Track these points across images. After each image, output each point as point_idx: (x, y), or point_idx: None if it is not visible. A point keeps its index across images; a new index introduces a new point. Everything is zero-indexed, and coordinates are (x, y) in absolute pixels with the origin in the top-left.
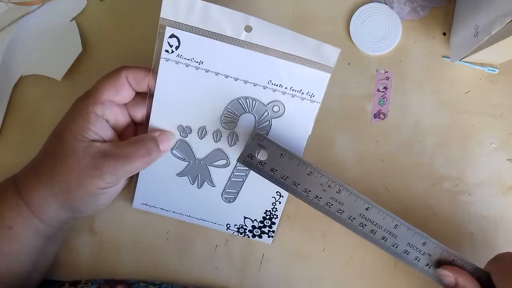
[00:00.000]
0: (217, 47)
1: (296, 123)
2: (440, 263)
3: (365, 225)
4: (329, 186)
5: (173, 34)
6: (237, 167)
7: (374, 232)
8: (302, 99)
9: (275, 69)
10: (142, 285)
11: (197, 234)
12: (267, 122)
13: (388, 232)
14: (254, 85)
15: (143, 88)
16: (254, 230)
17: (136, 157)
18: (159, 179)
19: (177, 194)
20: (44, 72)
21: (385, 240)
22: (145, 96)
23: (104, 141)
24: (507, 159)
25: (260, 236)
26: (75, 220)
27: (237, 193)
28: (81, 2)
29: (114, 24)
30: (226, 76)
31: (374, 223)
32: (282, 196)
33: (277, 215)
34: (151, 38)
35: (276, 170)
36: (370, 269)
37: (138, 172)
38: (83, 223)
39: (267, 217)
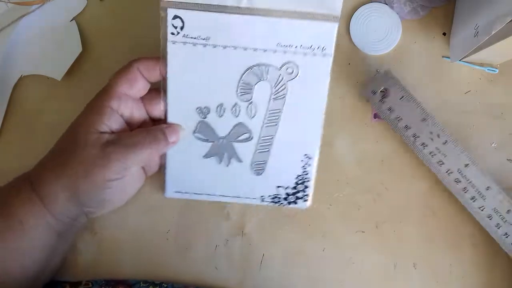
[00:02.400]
0: (220, 20)
1: (312, 80)
2: None
3: (460, 181)
4: (438, 136)
5: (176, 15)
6: (261, 138)
7: (466, 190)
8: (314, 55)
9: (282, 30)
10: (143, 285)
11: (197, 234)
12: (283, 87)
13: (479, 193)
14: (264, 51)
15: (156, 77)
16: (289, 197)
17: (143, 144)
18: (187, 164)
19: (207, 176)
20: (44, 72)
21: (474, 201)
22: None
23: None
24: (507, 159)
25: (295, 202)
26: (86, 219)
27: (265, 163)
28: (81, 2)
29: (114, 24)
30: (235, 48)
31: (469, 181)
32: (311, 158)
33: (309, 178)
34: (151, 37)
35: (394, 111)
36: (370, 269)
37: (166, 162)
38: None
39: (299, 181)
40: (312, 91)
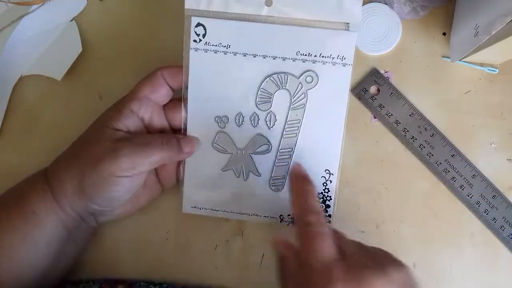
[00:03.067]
0: (241, 28)
1: (332, 90)
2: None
3: (448, 171)
4: (425, 129)
5: (199, 22)
6: (280, 150)
7: (454, 179)
8: (334, 64)
9: (302, 39)
10: (143, 284)
11: (197, 234)
12: (303, 95)
13: (466, 181)
14: (284, 60)
15: (179, 84)
16: None
17: (155, 145)
18: (205, 177)
19: (225, 191)
20: (44, 72)
21: (463, 189)
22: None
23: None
24: (507, 159)
25: None
26: (95, 222)
27: (285, 178)
28: (81, 2)
29: (114, 24)
30: (255, 56)
31: (456, 170)
32: (332, 174)
33: (330, 197)
34: (151, 37)
35: (384, 107)
36: None
37: (184, 175)
38: None
39: (320, 200)
40: (331, 101)
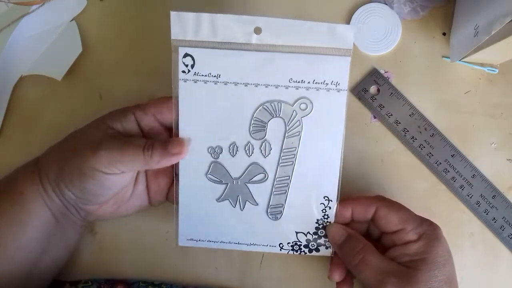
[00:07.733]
0: (231, 57)
1: (328, 116)
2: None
3: (448, 171)
4: (425, 129)
5: (186, 53)
6: (277, 179)
7: (454, 179)
8: (328, 90)
9: (294, 66)
10: (142, 285)
11: None
12: (298, 123)
13: (466, 181)
14: (276, 87)
15: None
16: (310, 244)
17: (138, 146)
18: (200, 208)
19: (221, 222)
20: (44, 72)
21: (463, 189)
22: None
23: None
24: (507, 159)
25: (317, 250)
26: (79, 215)
27: (283, 207)
28: (81, 2)
29: (114, 24)
30: (246, 85)
31: (456, 170)
32: (331, 201)
33: (330, 222)
34: (151, 38)
35: (384, 107)
36: None
37: (178, 206)
38: None
39: (320, 226)
40: (327, 127)
